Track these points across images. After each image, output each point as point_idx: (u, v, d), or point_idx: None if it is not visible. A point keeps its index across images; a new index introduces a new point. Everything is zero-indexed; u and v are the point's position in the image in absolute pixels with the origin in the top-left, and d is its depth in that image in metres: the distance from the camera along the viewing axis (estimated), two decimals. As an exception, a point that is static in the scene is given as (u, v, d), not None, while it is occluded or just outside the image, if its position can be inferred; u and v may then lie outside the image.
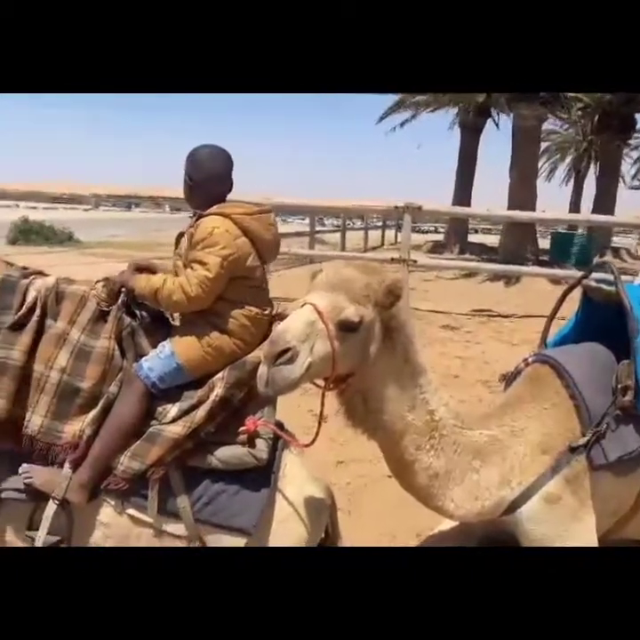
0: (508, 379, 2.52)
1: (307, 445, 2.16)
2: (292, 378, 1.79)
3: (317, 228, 17.38)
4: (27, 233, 18.64)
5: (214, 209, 2.13)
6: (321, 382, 1.98)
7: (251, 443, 2.08)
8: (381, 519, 3.20)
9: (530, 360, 2.39)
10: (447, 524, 2.47)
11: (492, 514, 2.09)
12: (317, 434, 2.08)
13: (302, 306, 1.87)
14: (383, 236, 24.54)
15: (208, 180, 2.17)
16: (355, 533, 2.77)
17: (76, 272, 2.49)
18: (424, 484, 2.04)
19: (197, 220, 2.14)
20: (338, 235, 19.62)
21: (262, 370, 1.82)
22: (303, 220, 26.18)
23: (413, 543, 2.84)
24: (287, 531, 2.17)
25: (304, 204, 13.39)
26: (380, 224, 25.77)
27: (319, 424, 2.10)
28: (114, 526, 2.00)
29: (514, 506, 2.06)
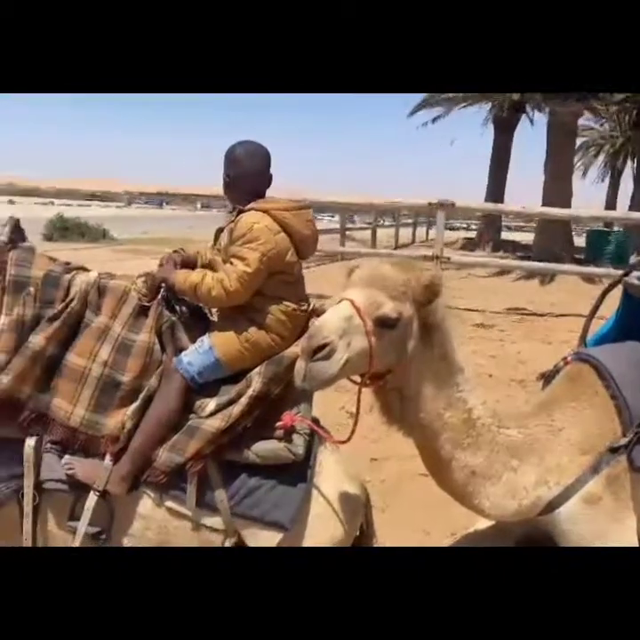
0: (547, 377, 2.49)
1: (343, 442, 2.16)
2: (330, 373, 1.79)
3: (347, 226, 17.37)
4: (62, 230, 19.00)
5: (254, 205, 2.14)
6: (357, 378, 1.99)
7: (287, 438, 2.09)
8: (416, 517, 3.19)
9: (569, 359, 2.36)
10: (483, 523, 2.45)
11: (530, 513, 2.06)
12: (354, 430, 2.09)
13: (340, 302, 1.87)
14: (414, 234, 24.38)
15: (247, 175, 2.18)
16: (389, 531, 2.76)
17: (111, 268, 2.52)
18: (461, 483, 2.03)
19: (237, 215, 2.15)
20: (368, 232, 19.56)
21: (300, 364, 1.83)
22: (333, 217, 26.17)
23: (448, 541, 2.82)
24: (323, 526, 2.18)
25: (334, 201, 13.37)
26: (410, 221, 25.61)
27: (355, 421, 2.10)
28: (153, 518, 2.02)
29: (552, 506, 2.03)
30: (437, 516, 3.08)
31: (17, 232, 2.10)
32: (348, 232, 17.11)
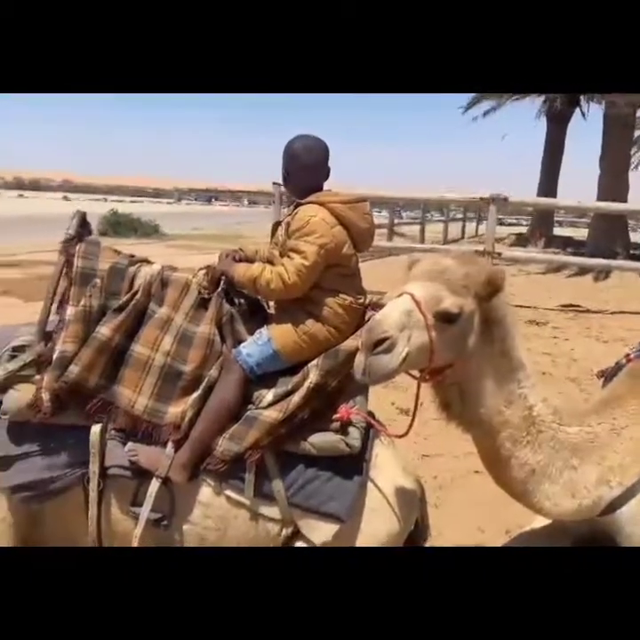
0: (608, 375, 2.43)
1: (400, 436, 2.16)
2: (390, 367, 1.79)
3: (395, 221, 17.26)
4: (116, 225, 19.46)
5: (311, 198, 2.15)
6: (416, 373, 1.98)
7: (343, 431, 2.10)
8: (470, 514, 3.16)
9: (632, 356, 2.30)
10: (539, 522, 2.41)
11: (590, 513, 2.02)
12: (411, 425, 2.08)
13: (399, 295, 1.86)
14: (463, 229, 24.07)
15: (304, 169, 2.20)
16: (443, 527, 2.75)
17: (165, 263, 2.58)
18: (520, 480, 2.00)
19: (295, 208, 2.17)
20: (415, 227, 19.41)
21: (360, 358, 1.83)
22: (379, 212, 26.05)
23: (502, 540, 2.78)
24: (379, 520, 2.18)
25: (382, 196, 13.29)
26: (459, 216, 25.28)
27: (413, 415, 2.09)
28: (212, 506, 2.06)
29: (613, 506, 1.99)
30: (491, 514, 3.05)
31: (84, 226, 2.16)
32: (396, 227, 17.01)
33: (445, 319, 1.81)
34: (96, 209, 21.38)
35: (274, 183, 9.24)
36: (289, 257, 2.09)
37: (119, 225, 19.62)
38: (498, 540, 2.83)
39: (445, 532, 2.69)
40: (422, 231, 17.77)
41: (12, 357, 2.04)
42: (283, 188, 9.54)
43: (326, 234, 2.09)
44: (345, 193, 2.24)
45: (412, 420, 2.08)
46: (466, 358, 1.89)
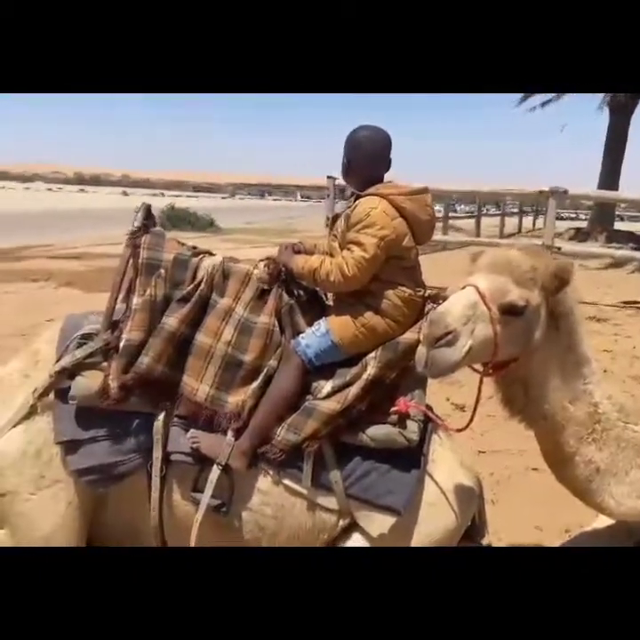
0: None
1: (459, 430, 2.14)
2: (453, 360, 1.77)
3: (450, 214, 17.01)
4: (173, 219, 19.84)
5: (371, 190, 2.14)
6: (479, 367, 1.95)
7: (401, 424, 2.09)
8: (528, 512, 3.10)
9: None
10: (601, 522, 2.36)
11: None
12: (472, 419, 2.06)
13: (464, 287, 1.84)
14: (520, 223, 23.54)
15: (366, 159, 2.19)
16: (501, 525, 2.71)
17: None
18: (584, 479, 1.95)
19: (355, 200, 2.16)
20: (470, 221, 19.09)
21: (421, 351, 1.82)
22: (434, 205, 25.67)
23: (561, 539, 2.72)
24: (436, 514, 2.16)
25: (437, 189, 13.08)
26: (515, 210, 24.73)
27: (474, 409, 2.07)
28: (271, 494, 2.09)
29: None
30: (550, 513, 2.99)
31: (149, 218, 2.21)
32: (450, 221, 16.76)
33: (511, 312, 1.78)
34: (154, 203, 21.86)
35: (328, 177, 9.24)
36: (349, 249, 2.09)
37: (176, 219, 20.00)
38: (556, 540, 2.77)
39: (503, 530, 2.65)
40: (478, 225, 17.43)
41: (81, 345, 2.11)
42: (337, 182, 9.51)
43: (387, 226, 2.07)
44: (405, 184, 2.22)
45: (473, 414, 2.05)
46: (531, 352, 1.85)
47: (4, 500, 2.13)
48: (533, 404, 1.90)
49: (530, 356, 1.86)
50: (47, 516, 2.12)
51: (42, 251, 13.06)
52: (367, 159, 2.19)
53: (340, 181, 9.25)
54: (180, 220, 20.04)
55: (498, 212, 22.50)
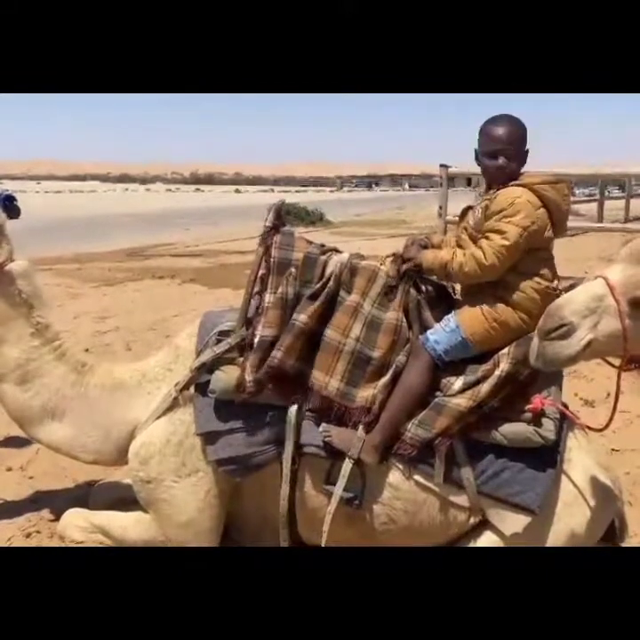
0: None
1: (599, 429, 2.05)
2: (566, 354, 1.73)
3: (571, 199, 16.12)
4: (285, 215, 20.24)
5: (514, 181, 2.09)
6: (616, 361, 1.86)
7: (537, 422, 2.03)
8: (670, 515, 2.91)
9: None
10: None
11: None
12: (612, 417, 1.97)
13: (595, 278, 1.77)
14: (647, 206, 21.93)
15: (517, 153, 2.12)
16: (638, 527, 2.56)
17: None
18: None
19: (496, 191, 2.11)
20: (592, 205, 18.03)
21: (534, 342, 1.79)
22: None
23: None
24: (572, 515, 2.10)
25: (555, 173, 12.49)
26: (642, 192, 23.05)
27: (614, 407, 1.98)
28: (402, 489, 2.10)
29: None
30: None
31: (279, 217, 2.29)
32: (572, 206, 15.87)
33: None
34: (265, 199, 22.49)
35: (441, 165, 9.05)
36: (487, 238, 2.05)
37: (288, 214, 20.33)
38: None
39: (640, 533, 2.51)
40: (600, 208, 16.39)
41: (219, 341, 2.22)
42: (450, 170, 9.26)
43: (531, 215, 2.02)
44: (543, 173, 2.15)
45: (613, 412, 1.96)
46: None
47: (149, 487, 2.29)
48: None
49: None
50: (188, 503, 2.25)
51: (166, 249, 13.76)
52: (519, 152, 2.12)
53: (453, 170, 9.06)
54: (292, 215, 20.37)
55: (622, 195, 21.09)
